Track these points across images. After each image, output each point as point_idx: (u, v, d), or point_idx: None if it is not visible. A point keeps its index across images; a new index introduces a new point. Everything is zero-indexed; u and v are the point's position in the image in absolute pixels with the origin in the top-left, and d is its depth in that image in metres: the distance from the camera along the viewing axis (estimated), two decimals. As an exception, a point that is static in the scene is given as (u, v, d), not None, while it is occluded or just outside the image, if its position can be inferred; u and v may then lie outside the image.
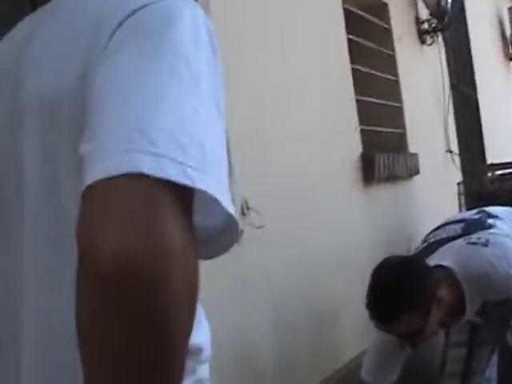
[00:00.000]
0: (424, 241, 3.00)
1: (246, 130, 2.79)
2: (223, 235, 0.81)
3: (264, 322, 2.82)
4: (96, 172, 0.72)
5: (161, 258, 0.68)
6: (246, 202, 2.69)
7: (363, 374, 2.79)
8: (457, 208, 5.19)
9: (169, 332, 0.70)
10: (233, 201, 0.77)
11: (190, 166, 0.73)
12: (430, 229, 4.56)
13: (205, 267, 2.16)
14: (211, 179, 0.75)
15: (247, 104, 2.81)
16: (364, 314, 3.65)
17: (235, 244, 0.82)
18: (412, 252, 4.42)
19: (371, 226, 3.91)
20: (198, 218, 0.77)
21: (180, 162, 0.72)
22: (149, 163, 0.71)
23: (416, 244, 4.49)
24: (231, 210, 0.76)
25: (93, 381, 0.71)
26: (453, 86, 5.70)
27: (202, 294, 0.81)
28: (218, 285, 2.50)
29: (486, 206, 3.04)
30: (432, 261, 2.67)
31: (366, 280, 3.69)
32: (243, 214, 2.68)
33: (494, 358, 3.03)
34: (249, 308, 2.70)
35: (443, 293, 2.52)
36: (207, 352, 0.98)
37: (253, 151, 2.82)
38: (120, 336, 0.69)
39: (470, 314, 2.66)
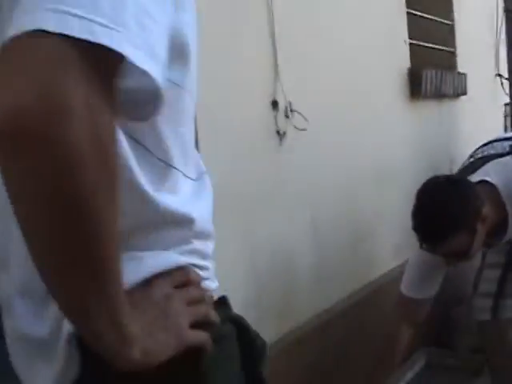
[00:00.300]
0: (471, 156, 2.95)
1: (298, 35, 2.76)
2: (150, 99, 0.79)
3: (303, 227, 2.83)
4: (13, 28, 0.70)
5: (57, 114, 0.68)
6: (290, 105, 2.68)
7: (403, 288, 2.80)
8: (502, 130, 5.13)
9: (76, 185, 0.70)
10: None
11: (99, 23, 0.71)
12: (472, 147, 4.49)
13: (245, 167, 2.20)
14: (125, 36, 0.72)
15: (299, 10, 2.77)
16: (400, 229, 3.67)
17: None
18: (454, 173, 4.39)
19: (414, 142, 3.87)
20: (130, 81, 0.76)
21: (84, 17, 0.70)
22: (53, 20, 0.69)
23: (458, 165, 4.46)
24: (147, 67, 0.74)
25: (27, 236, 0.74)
26: (507, 11, 5.53)
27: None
28: (258, 184, 2.52)
29: None
30: (477, 176, 2.63)
31: (405, 196, 3.68)
32: (287, 116, 2.67)
33: None
34: (288, 212, 2.71)
35: (487, 211, 2.49)
36: (202, 225, 0.99)
37: (302, 56, 2.79)
38: (28, 195, 0.71)
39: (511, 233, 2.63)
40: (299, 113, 2.69)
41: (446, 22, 4.54)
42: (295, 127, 2.69)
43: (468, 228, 2.45)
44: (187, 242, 0.97)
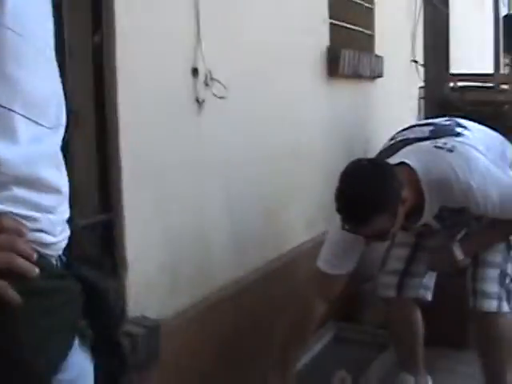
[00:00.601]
0: (391, 139, 3.02)
1: (221, 5, 2.77)
2: None
3: (217, 196, 2.86)
4: None
5: None
6: (210, 73, 2.69)
7: (320, 263, 2.84)
8: (416, 114, 5.28)
9: None
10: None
11: None
12: (389, 132, 4.61)
13: (164, 133, 2.20)
14: None
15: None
16: (312, 204, 3.74)
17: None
18: (369, 153, 4.49)
19: (330, 120, 3.95)
20: None
21: None
22: None
23: (372, 146, 4.57)
24: None
25: None
26: (425, -3, 5.67)
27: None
28: (174, 151, 2.53)
29: (453, 116, 3.06)
30: (397, 158, 2.69)
31: (319, 173, 3.76)
32: (206, 84, 2.68)
33: None
34: (204, 178, 2.72)
35: (406, 193, 2.57)
36: (26, 172, 1.00)
37: (224, 26, 2.81)
38: None
39: (427, 216, 2.71)
40: (219, 81, 2.70)
41: (366, 4, 4.62)
42: (214, 95, 2.70)
43: (389, 211, 2.52)
44: (5, 188, 0.97)
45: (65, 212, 1.12)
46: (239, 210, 2.99)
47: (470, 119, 3.03)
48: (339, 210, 2.57)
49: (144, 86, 2.34)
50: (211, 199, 2.80)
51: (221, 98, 2.70)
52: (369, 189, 2.49)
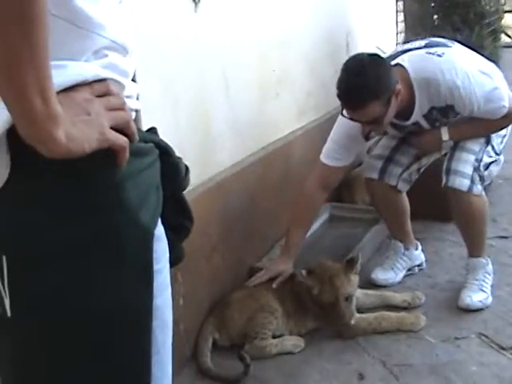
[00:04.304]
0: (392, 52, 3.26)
1: None
2: None
3: (216, 85, 3.03)
4: None
5: None
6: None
7: (322, 157, 3.16)
8: (394, 8, 5.42)
9: None
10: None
11: None
12: (369, 25, 4.86)
13: (164, 27, 2.32)
14: None
15: None
16: (302, 93, 3.93)
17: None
18: (350, 45, 4.69)
19: (314, 14, 4.06)
20: None
21: None
22: None
23: (353, 38, 4.75)
24: None
25: None
26: None
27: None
28: (175, 43, 2.69)
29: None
30: (393, 62, 2.99)
31: (305, 62, 3.94)
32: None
33: (419, 164, 3.37)
34: (203, 70, 2.90)
35: (400, 88, 2.88)
36: (117, 37, 1.05)
37: None
38: None
39: (418, 114, 3.02)
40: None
41: None
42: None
43: (384, 99, 2.83)
44: (103, 54, 1.03)
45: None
46: (236, 97, 3.17)
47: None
48: (339, 96, 2.87)
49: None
50: (211, 87, 2.98)
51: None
52: (366, 76, 2.79)
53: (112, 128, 1.00)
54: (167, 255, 1.23)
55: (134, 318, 1.09)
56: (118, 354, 1.09)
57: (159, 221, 1.16)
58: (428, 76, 2.91)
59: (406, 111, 2.99)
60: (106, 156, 0.99)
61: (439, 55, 2.95)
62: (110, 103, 1.01)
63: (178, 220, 1.29)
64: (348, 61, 2.91)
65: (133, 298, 1.08)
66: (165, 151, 1.19)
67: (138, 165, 1.07)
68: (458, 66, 2.92)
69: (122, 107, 1.03)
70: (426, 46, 3.05)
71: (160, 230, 1.17)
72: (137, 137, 1.06)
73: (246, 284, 3.06)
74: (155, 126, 1.24)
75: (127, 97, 1.09)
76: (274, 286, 2.99)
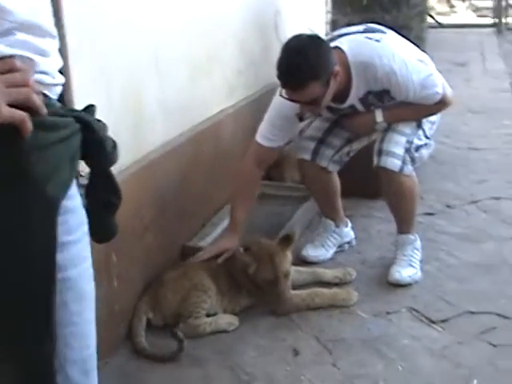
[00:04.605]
0: (327, 34, 3.28)
1: None
2: None
3: (148, 66, 3.01)
4: None
5: None
6: None
7: (258, 138, 3.17)
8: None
9: None
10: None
11: None
12: (298, 4, 4.87)
13: (98, 10, 2.27)
14: None
15: None
16: (232, 72, 3.93)
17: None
18: (279, 26, 4.70)
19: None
20: None
21: None
22: None
23: (282, 18, 4.77)
24: None
25: None
26: None
27: None
28: (110, 22, 2.65)
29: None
30: (332, 44, 2.99)
31: (234, 41, 3.93)
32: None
33: (350, 148, 3.41)
34: (135, 52, 2.87)
35: (338, 69, 2.90)
36: (29, 19, 1.08)
37: None
38: None
39: (354, 98, 3.05)
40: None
41: None
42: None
43: (323, 80, 2.84)
44: (10, 33, 1.04)
45: (58, 58, 1.20)
46: (167, 77, 3.15)
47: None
48: (279, 76, 2.88)
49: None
50: (143, 68, 2.95)
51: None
52: (305, 57, 2.80)
53: (12, 104, 1.01)
54: (84, 228, 1.26)
55: (35, 286, 1.14)
56: (16, 322, 1.15)
57: (75, 193, 1.21)
58: (366, 60, 2.95)
59: (342, 94, 3.02)
60: (7, 130, 1.01)
61: (377, 40, 3.00)
62: (12, 79, 1.02)
63: (107, 196, 1.31)
64: (288, 41, 2.90)
65: (35, 265, 1.13)
66: (87, 126, 1.21)
67: (48, 138, 1.10)
68: (395, 52, 2.97)
69: (25, 83, 1.03)
70: (364, 31, 3.09)
71: (75, 202, 1.22)
72: (43, 111, 1.07)
73: (192, 261, 3.06)
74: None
75: (43, 72, 1.11)
76: (220, 261, 3.01)
